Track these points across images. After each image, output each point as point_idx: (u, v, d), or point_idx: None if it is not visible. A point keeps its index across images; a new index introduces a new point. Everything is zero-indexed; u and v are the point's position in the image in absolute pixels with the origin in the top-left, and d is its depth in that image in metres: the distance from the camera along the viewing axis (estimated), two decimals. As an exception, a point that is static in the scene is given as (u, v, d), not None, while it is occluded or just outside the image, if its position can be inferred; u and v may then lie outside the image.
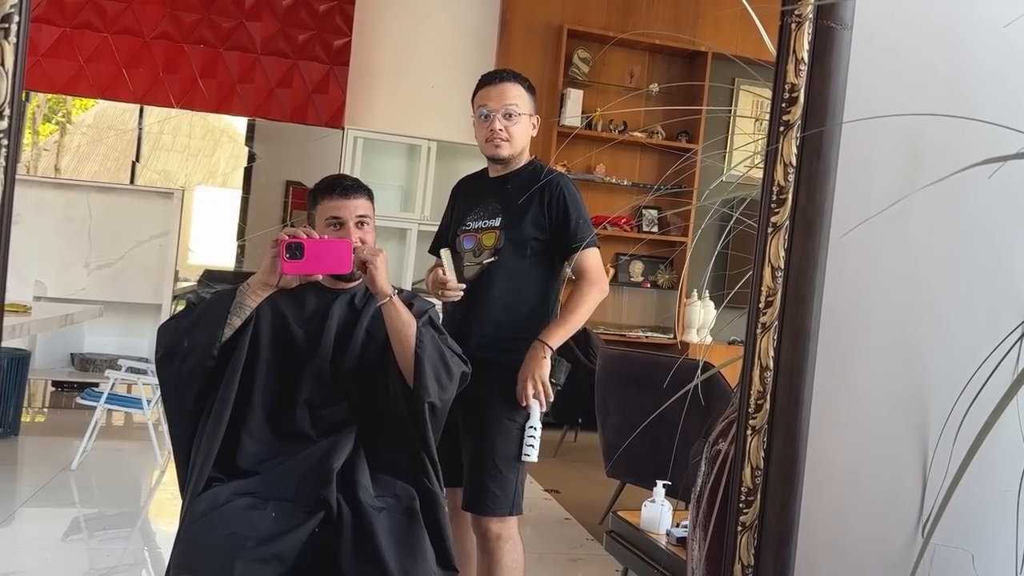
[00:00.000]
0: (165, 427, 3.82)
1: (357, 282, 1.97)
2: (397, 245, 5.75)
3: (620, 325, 6.34)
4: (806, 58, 1.33)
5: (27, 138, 9.23)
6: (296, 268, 1.76)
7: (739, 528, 1.37)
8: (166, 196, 5.87)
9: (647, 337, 6.21)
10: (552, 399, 2.15)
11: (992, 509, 1.44)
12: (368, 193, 1.98)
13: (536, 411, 2.17)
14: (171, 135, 10.30)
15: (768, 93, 1.41)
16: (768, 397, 1.36)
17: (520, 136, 2.22)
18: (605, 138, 6.19)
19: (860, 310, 1.47)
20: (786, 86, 1.34)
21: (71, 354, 5.71)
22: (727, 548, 1.39)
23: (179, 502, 1.88)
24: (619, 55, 6.31)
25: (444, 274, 2.20)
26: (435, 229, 2.46)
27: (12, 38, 1.09)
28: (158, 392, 4.07)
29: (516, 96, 2.21)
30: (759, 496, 1.36)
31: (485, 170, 2.34)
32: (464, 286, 2.19)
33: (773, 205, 1.35)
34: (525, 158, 2.28)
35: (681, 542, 2.50)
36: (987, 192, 1.44)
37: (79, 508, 3.66)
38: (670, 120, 6.29)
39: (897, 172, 1.45)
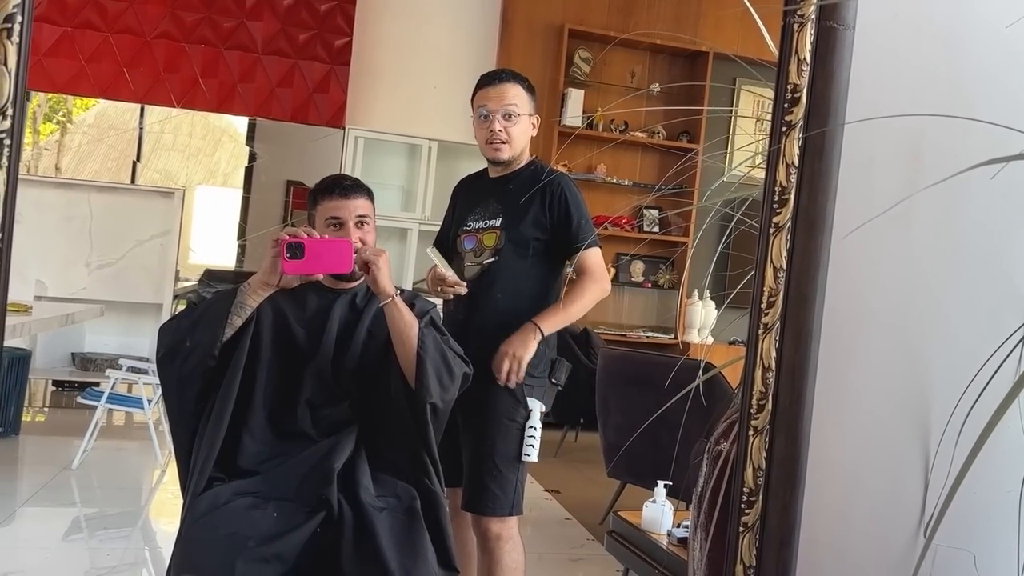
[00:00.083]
0: (166, 427, 3.83)
1: (358, 282, 1.97)
2: (398, 245, 5.75)
3: (621, 325, 6.34)
4: (808, 58, 1.33)
5: (28, 137, 9.23)
6: (297, 268, 1.76)
7: (741, 528, 1.37)
8: (167, 196, 5.87)
9: (648, 337, 6.21)
10: (521, 379, 2.13)
11: (994, 510, 1.44)
12: (368, 193, 1.98)
13: (537, 411, 2.17)
14: (172, 135, 10.31)
15: (769, 93, 1.41)
16: (770, 397, 1.36)
17: (520, 137, 2.22)
18: (606, 138, 6.19)
19: (862, 311, 1.47)
20: (788, 86, 1.34)
21: (72, 353, 5.72)
22: (729, 548, 1.39)
23: (180, 502, 1.88)
24: (620, 55, 6.31)
25: (440, 271, 2.20)
26: (436, 229, 2.46)
27: (15, 38, 1.09)
28: (159, 392, 4.08)
29: (516, 96, 2.21)
30: (761, 496, 1.36)
31: (486, 170, 2.34)
32: (464, 282, 2.19)
33: (775, 205, 1.35)
34: (526, 158, 2.27)
35: (682, 542, 2.49)
36: (989, 193, 1.44)
37: (80, 508, 3.66)
38: (671, 120, 6.29)
39: (899, 173, 1.45)
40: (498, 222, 2.21)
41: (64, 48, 5.81)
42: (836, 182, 1.37)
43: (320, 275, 1.89)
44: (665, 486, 2.69)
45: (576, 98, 6.05)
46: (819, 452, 1.40)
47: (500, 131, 2.18)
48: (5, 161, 1.09)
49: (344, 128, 5.88)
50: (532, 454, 2.15)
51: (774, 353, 1.36)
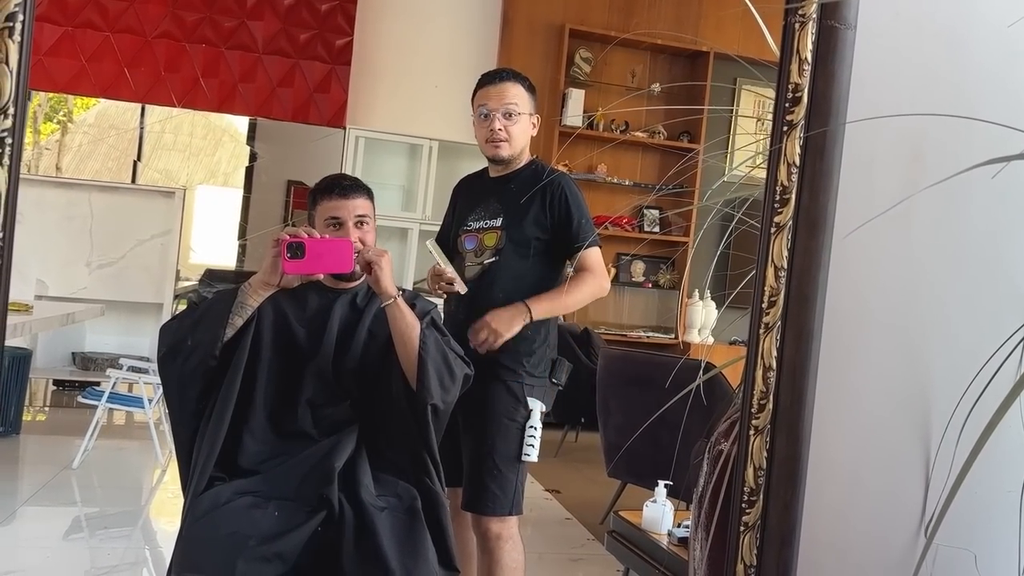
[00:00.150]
0: (166, 426, 3.83)
1: (358, 281, 1.97)
2: (398, 245, 5.75)
3: (621, 325, 6.34)
4: (810, 58, 1.33)
5: (28, 137, 9.24)
6: (297, 268, 1.76)
7: (742, 528, 1.37)
8: (167, 195, 5.88)
9: (648, 337, 6.21)
10: (494, 349, 2.12)
11: (995, 509, 1.44)
12: (367, 192, 1.98)
13: (537, 411, 2.17)
14: (173, 134, 10.31)
15: (770, 93, 1.41)
16: (771, 397, 1.36)
17: (520, 136, 2.22)
18: (607, 138, 6.19)
19: (863, 310, 1.47)
20: (790, 86, 1.34)
21: (72, 353, 5.72)
22: (729, 548, 1.39)
23: (180, 501, 1.88)
24: (621, 55, 6.31)
25: (439, 267, 2.20)
26: (436, 229, 2.46)
27: (16, 36, 1.09)
28: (159, 391, 4.08)
29: (516, 95, 2.21)
30: (762, 496, 1.36)
31: (486, 170, 2.33)
32: (463, 280, 2.19)
33: (776, 205, 1.35)
34: (526, 157, 2.27)
35: (683, 542, 2.49)
36: (990, 192, 1.44)
37: (80, 507, 3.66)
38: (672, 120, 6.29)
39: (900, 172, 1.45)
40: (499, 222, 2.21)
41: (65, 48, 5.81)
42: (837, 181, 1.36)
43: (321, 275, 1.89)
44: (665, 486, 2.69)
45: (577, 98, 6.05)
46: (820, 451, 1.40)
47: (500, 130, 2.18)
48: (7, 160, 1.09)
49: (345, 128, 5.89)
50: (532, 454, 2.15)
51: (775, 352, 1.35)
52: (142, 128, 8.20)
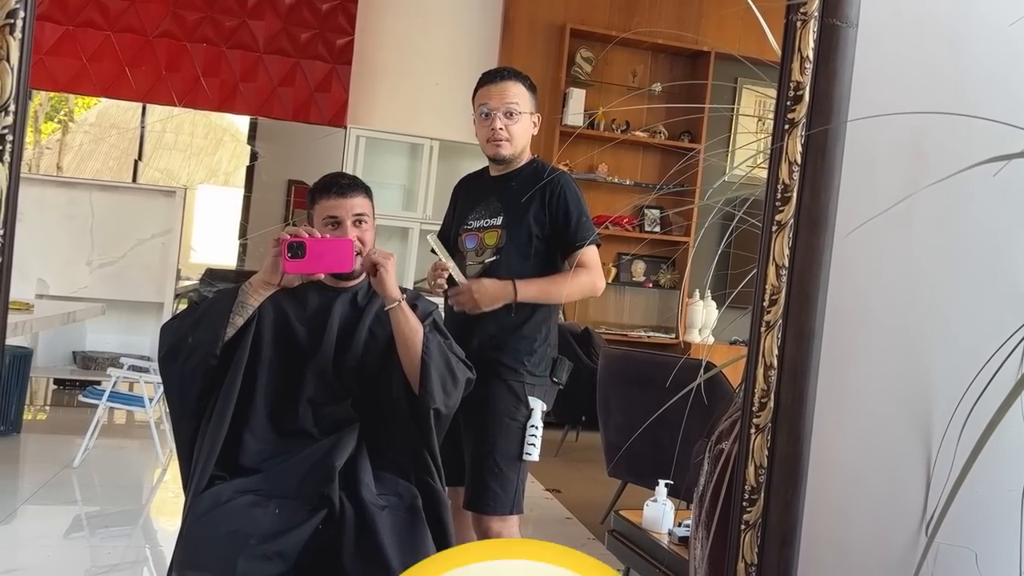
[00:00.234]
0: (167, 425, 3.83)
1: (359, 280, 1.97)
2: (399, 244, 5.75)
3: (622, 325, 6.34)
4: (811, 56, 1.33)
5: (29, 136, 9.24)
6: (298, 267, 1.76)
7: (742, 526, 1.37)
8: (168, 195, 5.88)
9: (649, 337, 6.21)
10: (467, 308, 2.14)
11: (995, 508, 1.44)
12: (366, 191, 1.97)
13: (538, 410, 2.16)
14: (173, 134, 10.31)
15: (771, 92, 1.41)
16: (772, 395, 1.35)
17: (521, 135, 2.22)
18: (607, 137, 6.19)
19: (864, 309, 1.47)
20: (791, 84, 1.34)
21: (73, 352, 5.72)
22: (730, 546, 1.39)
23: (181, 500, 1.88)
24: (622, 54, 6.31)
25: (442, 261, 2.20)
26: (437, 228, 2.46)
27: (17, 34, 1.09)
28: (160, 390, 4.08)
29: (517, 94, 2.21)
30: (763, 494, 1.36)
31: (486, 169, 2.33)
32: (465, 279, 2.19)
33: (778, 203, 1.35)
34: (526, 156, 2.27)
35: (683, 541, 2.49)
36: (991, 191, 1.44)
37: (81, 506, 3.66)
38: (672, 119, 6.29)
39: (902, 171, 1.45)
40: (499, 221, 2.21)
41: (66, 47, 5.81)
42: (839, 180, 1.36)
43: (321, 274, 1.89)
44: (666, 485, 2.69)
45: (577, 97, 6.05)
46: (821, 450, 1.40)
47: (501, 129, 2.18)
48: (8, 157, 1.09)
49: (346, 127, 5.89)
50: (533, 453, 2.15)
51: (776, 351, 1.35)
52: (143, 127, 8.20)
